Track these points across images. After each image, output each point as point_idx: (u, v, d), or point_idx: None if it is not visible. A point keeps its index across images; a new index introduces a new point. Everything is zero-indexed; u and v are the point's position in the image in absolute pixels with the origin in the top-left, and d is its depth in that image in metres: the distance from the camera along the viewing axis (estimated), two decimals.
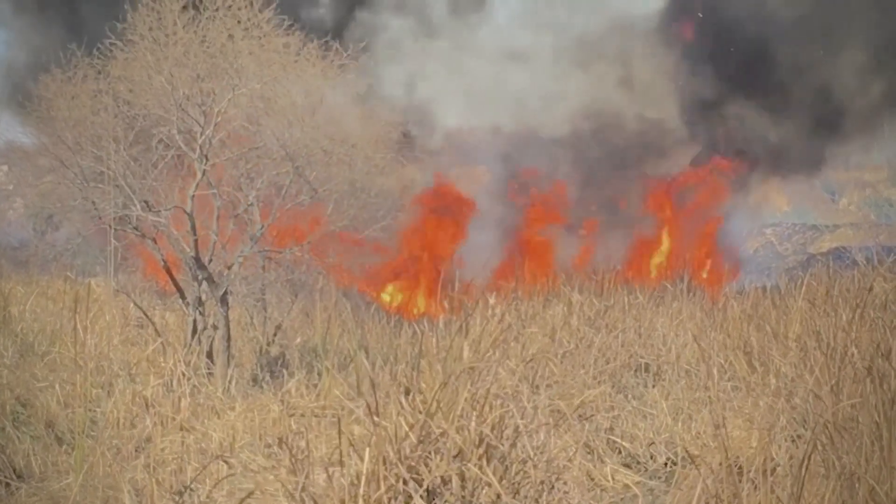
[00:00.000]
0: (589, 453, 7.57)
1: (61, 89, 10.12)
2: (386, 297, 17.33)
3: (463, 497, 4.75)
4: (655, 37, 20.27)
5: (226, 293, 9.62)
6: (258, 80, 9.49)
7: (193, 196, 9.42)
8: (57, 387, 8.13)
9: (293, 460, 4.97)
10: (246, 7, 9.74)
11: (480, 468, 4.83)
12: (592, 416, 8.33)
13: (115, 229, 9.92)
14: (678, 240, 19.61)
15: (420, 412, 4.89)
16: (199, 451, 6.86)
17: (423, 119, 19.82)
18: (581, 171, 20.02)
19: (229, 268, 9.68)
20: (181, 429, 7.66)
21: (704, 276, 17.97)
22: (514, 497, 5.03)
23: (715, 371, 8.68)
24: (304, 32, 9.82)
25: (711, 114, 19.83)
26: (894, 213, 24.02)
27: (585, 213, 19.96)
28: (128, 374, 9.07)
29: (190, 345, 9.48)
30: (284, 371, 9.62)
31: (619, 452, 7.95)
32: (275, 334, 10.59)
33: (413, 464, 4.75)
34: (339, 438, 4.80)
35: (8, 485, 6.45)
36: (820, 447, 4.78)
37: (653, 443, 8.14)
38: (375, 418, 4.85)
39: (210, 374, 9.21)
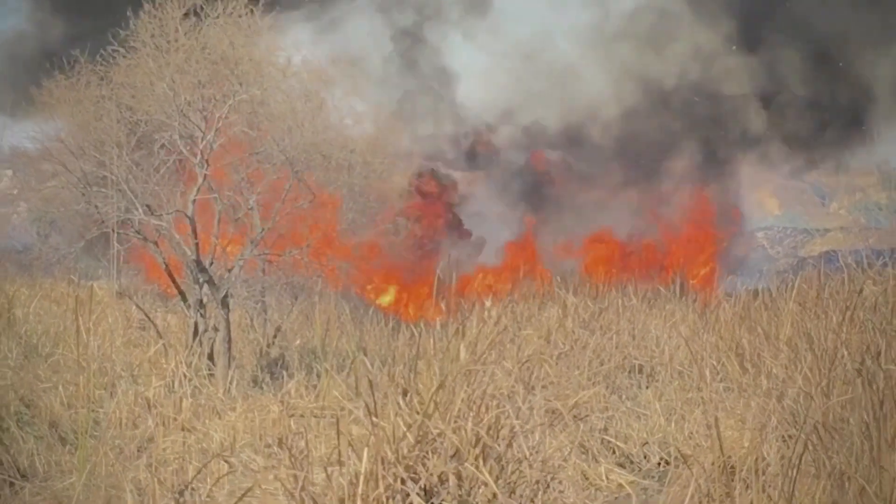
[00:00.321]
0: (584, 453, 7.57)
1: (65, 95, 10.15)
2: (384, 300, 17.33)
3: (460, 496, 4.76)
4: None
5: (226, 296, 9.62)
6: (258, 87, 9.51)
7: (195, 200, 9.43)
8: (60, 388, 8.13)
9: (293, 460, 4.97)
10: (247, 14, 9.78)
11: (477, 468, 4.83)
12: (587, 416, 8.33)
13: (118, 233, 9.94)
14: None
15: (418, 413, 4.89)
16: (200, 451, 6.86)
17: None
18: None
19: (230, 271, 9.68)
20: (182, 429, 7.66)
21: (697, 278, 17.97)
22: (510, 496, 5.03)
23: (707, 372, 8.69)
24: None
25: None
26: (884, 216, 24.03)
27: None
28: (130, 375, 9.06)
29: (191, 346, 9.48)
30: (284, 372, 9.62)
31: (614, 452, 7.96)
32: (275, 336, 10.60)
33: (411, 463, 4.75)
34: (338, 438, 4.80)
35: (12, 484, 6.45)
36: (811, 447, 4.79)
37: (646, 443, 8.15)
38: (374, 419, 4.85)
39: (211, 375, 9.21)
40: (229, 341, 9.61)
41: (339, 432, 4.80)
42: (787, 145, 20.11)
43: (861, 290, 6.26)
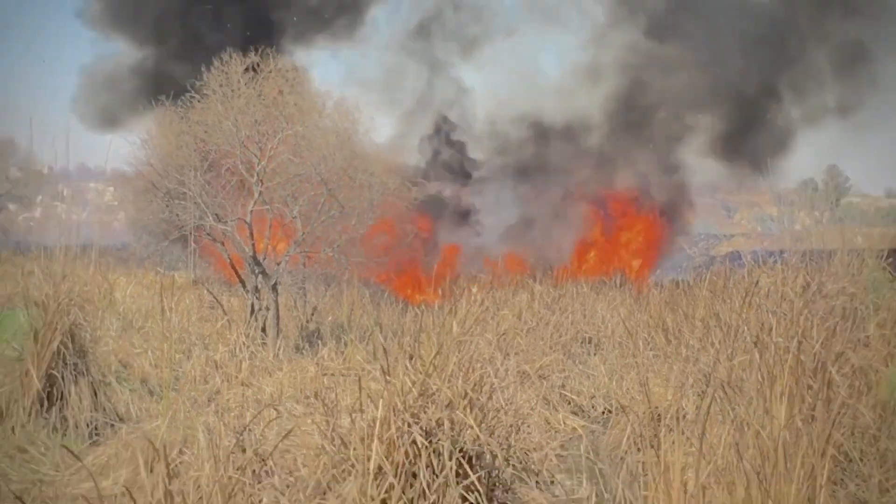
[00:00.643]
0: (546, 404, 7.58)
1: (155, 130, 10.17)
2: (396, 287, 17.27)
3: (452, 436, 4.75)
4: None
5: (276, 283, 9.62)
6: (301, 125, 9.54)
7: (252, 210, 9.45)
8: (149, 352, 8.12)
9: (325, 408, 4.96)
10: (292, 69, 9.82)
11: (465, 415, 4.82)
12: (549, 376, 8.35)
13: (194, 235, 9.98)
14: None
15: (420, 373, 4.88)
16: (255, 401, 6.84)
17: None
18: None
19: (278, 264, 9.68)
20: (242, 384, 7.65)
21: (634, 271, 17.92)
22: (489, 436, 5.03)
23: (640, 343, 8.71)
24: None
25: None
26: (774, 225, 24.06)
27: None
28: (202, 343, 9.05)
29: (249, 322, 9.48)
30: (319, 342, 9.60)
31: (569, 403, 7.97)
32: (312, 314, 10.58)
33: (415, 411, 4.74)
34: (360, 392, 4.79)
35: (113, 425, 6.47)
36: (718, 400, 4.79)
37: (594, 396, 8.16)
38: (387, 377, 4.84)
39: (264, 343, 9.21)
40: (278, 318, 9.59)
41: (360, 387, 4.79)
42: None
43: (757, 282, 6.25)
